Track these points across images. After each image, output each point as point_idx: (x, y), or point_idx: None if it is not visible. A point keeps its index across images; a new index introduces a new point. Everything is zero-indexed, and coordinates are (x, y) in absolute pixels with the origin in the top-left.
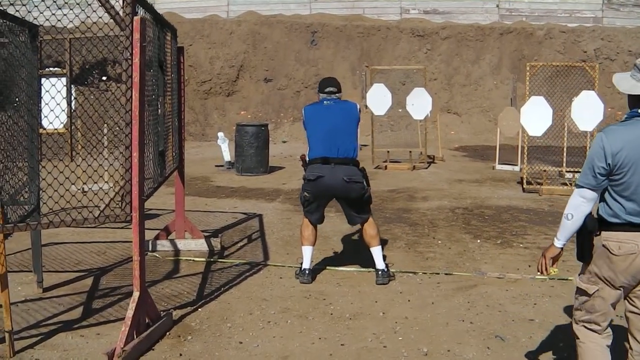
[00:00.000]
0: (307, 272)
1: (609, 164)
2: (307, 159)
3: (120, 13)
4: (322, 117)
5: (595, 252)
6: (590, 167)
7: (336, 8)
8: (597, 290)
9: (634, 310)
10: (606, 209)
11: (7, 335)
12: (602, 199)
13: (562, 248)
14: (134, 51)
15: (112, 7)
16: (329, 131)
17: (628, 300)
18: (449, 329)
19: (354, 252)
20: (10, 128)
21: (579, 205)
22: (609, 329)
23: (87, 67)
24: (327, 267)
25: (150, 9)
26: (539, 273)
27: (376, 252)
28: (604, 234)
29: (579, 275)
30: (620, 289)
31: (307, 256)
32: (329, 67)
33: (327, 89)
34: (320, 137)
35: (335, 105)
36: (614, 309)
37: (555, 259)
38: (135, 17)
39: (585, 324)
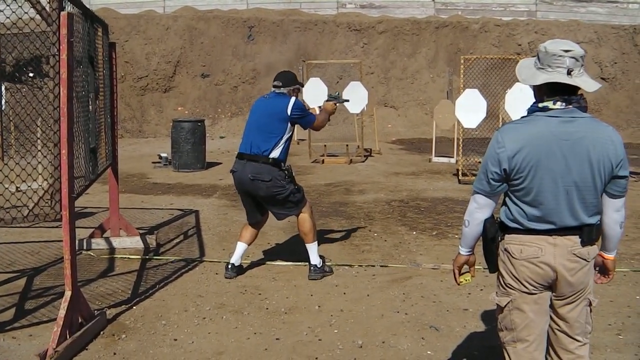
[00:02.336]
0: (229, 266)
1: (504, 169)
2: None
3: (47, 8)
4: (252, 111)
5: (499, 259)
6: (484, 171)
7: (273, 3)
8: (510, 301)
9: (555, 327)
10: (507, 213)
11: None
12: (503, 202)
13: (469, 255)
14: (61, 47)
15: (38, 1)
16: (250, 126)
17: (550, 314)
18: (384, 321)
19: (290, 246)
20: None
21: (474, 211)
22: (543, 342)
23: (21, 64)
24: (263, 262)
25: (78, 3)
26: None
27: (310, 248)
28: (506, 237)
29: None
30: (540, 293)
31: (237, 252)
32: (266, 62)
33: (274, 83)
34: (245, 132)
35: (268, 100)
36: (545, 315)
37: (470, 265)
38: (62, 12)
39: (511, 345)
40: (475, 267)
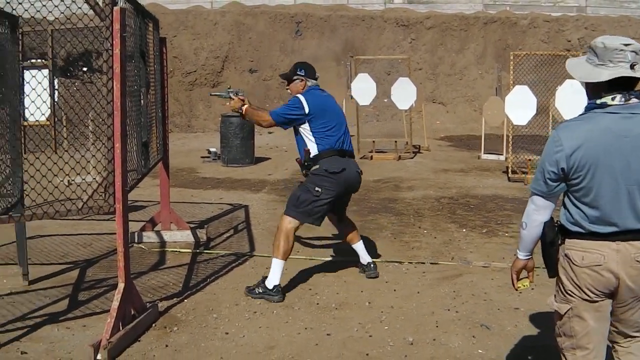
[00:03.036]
0: (281, 288)
1: (562, 168)
2: (316, 152)
3: (100, 3)
4: (333, 108)
5: (559, 264)
6: (541, 171)
7: None
8: (570, 308)
9: (612, 329)
10: (567, 216)
11: None
12: (563, 203)
13: (527, 259)
14: (114, 42)
15: None
16: (342, 123)
17: (611, 325)
18: (435, 318)
19: (338, 241)
20: None
21: (531, 213)
22: (603, 350)
23: (71, 58)
24: (313, 257)
25: None
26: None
27: (361, 246)
28: (566, 241)
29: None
30: (602, 300)
31: (279, 272)
32: (314, 57)
33: (317, 75)
34: (337, 130)
35: (330, 96)
36: (606, 322)
37: (528, 270)
38: (115, 8)
39: (571, 352)
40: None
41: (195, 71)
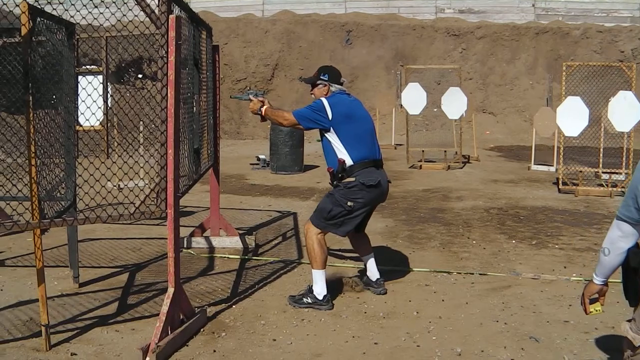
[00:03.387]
0: (329, 297)
1: None
2: (350, 162)
3: (156, 11)
4: (360, 113)
5: None
6: (632, 196)
7: (371, 7)
8: None
9: None
10: None
11: (43, 329)
12: None
13: (602, 285)
14: (169, 49)
15: (148, 5)
16: (372, 131)
17: None
18: (483, 330)
19: (388, 251)
20: (47, 125)
21: (616, 240)
22: None
23: (123, 65)
24: (360, 267)
25: (185, 7)
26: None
27: (373, 260)
28: None
29: (627, 321)
30: None
31: (323, 281)
32: (364, 66)
33: (342, 80)
34: (366, 137)
35: (358, 102)
36: None
37: (601, 295)
38: (170, 16)
39: None
40: (576, 277)
41: (245, 78)
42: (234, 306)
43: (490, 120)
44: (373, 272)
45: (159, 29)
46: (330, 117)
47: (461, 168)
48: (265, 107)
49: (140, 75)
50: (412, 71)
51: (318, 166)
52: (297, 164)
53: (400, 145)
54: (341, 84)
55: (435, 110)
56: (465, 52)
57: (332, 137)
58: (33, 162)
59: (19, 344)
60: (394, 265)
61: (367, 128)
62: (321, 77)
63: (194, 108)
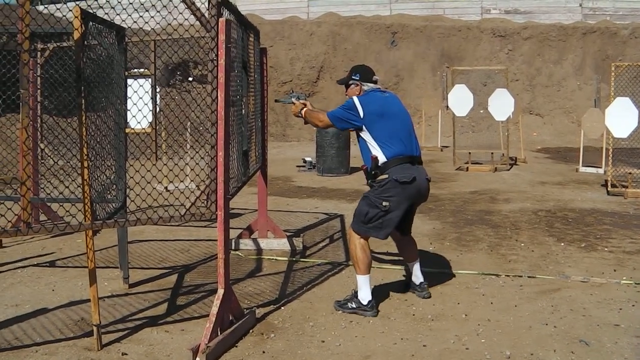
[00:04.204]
0: (374, 303)
1: None
2: (384, 159)
3: (206, 15)
4: (395, 109)
5: None
6: None
7: (416, 8)
8: None
9: None
10: None
11: (94, 328)
12: None
13: None
14: (219, 52)
15: (198, 9)
16: (408, 127)
17: None
18: (532, 333)
19: (436, 253)
20: (99, 127)
21: None
22: None
23: (169, 68)
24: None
25: (234, 10)
26: None
27: (418, 266)
28: None
29: None
30: None
31: (368, 287)
32: (409, 68)
33: (375, 78)
34: (401, 134)
35: (394, 97)
36: None
37: None
38: (220, 19)
39: None
40: (626, 280)
41: (291, 81)
42: (282, 308)
43: (538, 122)
44: (418, 276)
45: (209, 32)
46: (361, 115)
47: (508, 170)
48: (305, 109)
49: (190, 78)
50: (458, 72)
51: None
52: (343, 166)
53: (447, 147)
54: (374, 82)
55: (481, 111)
56: (512, 53)
57: (366, 135)
58: (85, 164)
59: (71, 343)
60: (442, 267)
61: (403, 124)
62: (353, 77)
63: (243, 110)
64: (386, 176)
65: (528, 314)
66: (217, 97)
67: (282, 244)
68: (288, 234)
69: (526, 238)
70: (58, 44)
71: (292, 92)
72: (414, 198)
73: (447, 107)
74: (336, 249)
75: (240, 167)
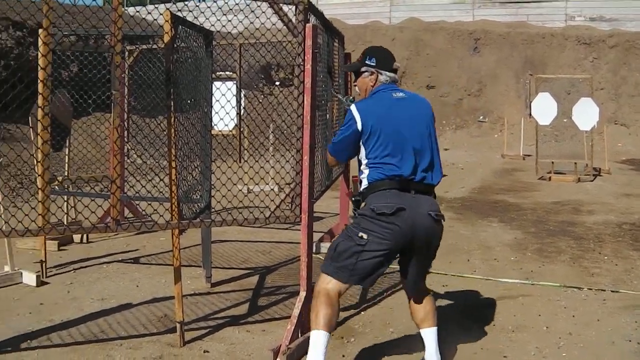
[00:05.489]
0: None
1: None
2: (365, 183)
3: (293, 20)
4: (402, 119)
5: None
6: None
7: (499, 15)
8: None
9: None
10: None
11: (178, 325)
12: None
13: None
14: (305, 57)
15: (286, 14)
16: (409, 141)
17: None
18: (615, 348)
19: (518, 263)
20: (188, 128)
21: None
22: None
23: (252, 71)
24: (489, 278)
25: (320, 15)
26: None
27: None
28: None
29: None
30: None
31: (322, 348)
32: (492, 74)
33: (395, 65)
34: (398, 150)
35: (410, 101)
36: None
37: None
38: (307, 24)
39: None
40: None
41: None
42: (362, 312)
43: (623, 132)
44: (431, 352)
45: (296, 37)
46: (359, 127)
47: (592, 181)
48: None
49: (277, 83)
50: (541, 80)
51: (445, 175)
52: None
53: (529, 155)
54: (394, 71)
55: (565, 120)
56: (597, 61)
57: (361, 151)
58: (173, 164)
59: (155, 338)
60: (523, 278)
61: (410, 136)
62: (367, 62)
63: (327, 115)
64: (364, 204)
65: (611, 329)
66: (303, 101)
67: None
68: None
69: (610, 251)
70: (145, 46)
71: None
72: (403, 239)
73: (530, 115)
74: None
75: (324, 171)
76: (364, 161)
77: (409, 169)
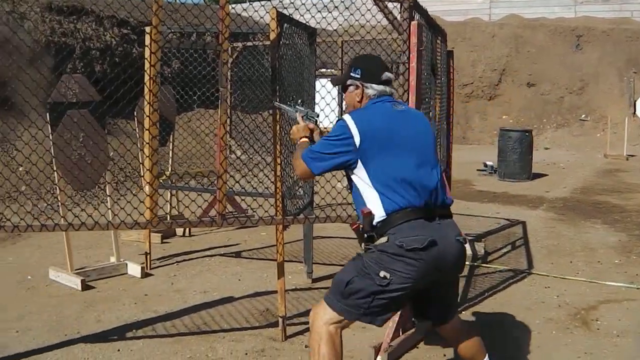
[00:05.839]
0: None
1: None
2: (382, 215)
3: (398, 17)
4: (405, 135)
5: None
6: None
7: (602, 11)
8: None
9: None
10: None
11: (280, 319)
12: None
13: None
14: (410, 55)
15: (391, 12)
16: (426, 162)
17: None
18: None
19: (622, 266)
20: (291, 124)
21: None
22: None
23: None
24: (593, 281)
25: (424, 13)
26: None
27: None
28: None
29: None
30: None
31: None
32: (594, 72)
33: (386, 75)
34: (412, 173)
35: (412, 114)
36: None
37: None
38: (412, 22)
39: None
40: None
41: (472, 83)
42: (463, 312)
43: None
44: None
45: (401, 35)
46: (357, 143)
47: None
48: (302, 139)
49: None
50: None
51: (547, 175)
52: (525, 171)
53: (633, 156)
54: (384, 83)
55: None
56: None
57: (359, 175)
58: (278, 160)
59: (257, 332)
60: (628, 282)
61: (419, 158)
62: (351, 73)
63: (430, 113)
64: (386, 239)
65: None
66: (407, 99)
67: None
68: (469, 238)
69: None
70: (246, 43)
71: (300, 102)
72: (430, 274)
73: (634, 114)
74: (518, 256)
75: None
76: (366, 185)
77: (428, 192)
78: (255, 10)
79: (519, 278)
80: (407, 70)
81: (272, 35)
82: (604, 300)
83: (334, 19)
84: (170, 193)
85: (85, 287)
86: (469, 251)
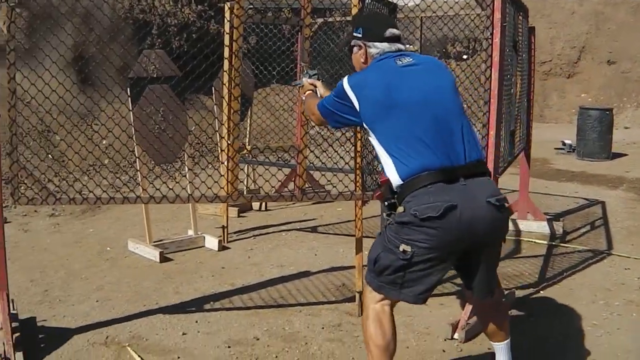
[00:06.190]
0: None
1: None
2: (398, 181)
3: None
4: (418, 90)
5: None
6: None
7: None
8: None
9: None
10: None
11: (357, 295)
12: None
13: None
14: (494, 31)
15: None
16: (442, 118)
17: None
18: None
19: None
20: None
21: None
22: None
23: (428, 44)
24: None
25: None
26: None
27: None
28: None
29: None
30: None
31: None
32: None
33: (390, 32)
34: (427, 132)
35: (425, 66)
36: None
37: None
38: None
39: None
40: None
41: (550, 60)
42: (541, 292)
43: None
44: None
45: (484, 10)
46: (356, 106)
47: None
48: (307, 92)
49: (465, 57)
50: None
51: (627, 154)
52: (605, 150)
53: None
54: (390, 40)
55: None
56: None
57: (372, 140)
58: (359, 136)
59: (333, 306)
60: None
61: (433, 113)
62: (354, 33)
63: (512, 90)
64: (402, 209)
65: None
66: (490, 75)
67: (542, 227)
68: (547, 217)
69: None
70: (327, 18)
71: (305, 71)
72: (458, 243)
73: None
74: (597, 236)
75: (507, 147)
76: (382, 150)
77: (446, 150)
78: None
79: (599, 259)
80: (490, 46)
81: (354, 11)
82: None
83: None
84: (251, 167)
85: (164, 259)
86: (546, 230)
